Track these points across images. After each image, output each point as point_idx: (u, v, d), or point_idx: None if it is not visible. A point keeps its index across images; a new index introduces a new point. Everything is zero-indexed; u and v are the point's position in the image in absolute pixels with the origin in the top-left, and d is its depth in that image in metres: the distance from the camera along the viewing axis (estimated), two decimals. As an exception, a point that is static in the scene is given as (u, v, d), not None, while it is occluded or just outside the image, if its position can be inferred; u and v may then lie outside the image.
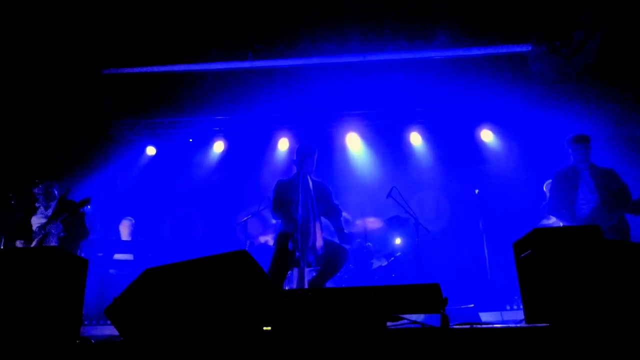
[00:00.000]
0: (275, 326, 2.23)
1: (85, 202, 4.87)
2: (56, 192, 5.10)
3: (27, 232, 4.84)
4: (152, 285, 2.37)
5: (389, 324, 2.26)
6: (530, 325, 2.36)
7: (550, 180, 5.76)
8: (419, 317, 2.79)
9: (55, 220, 4.75)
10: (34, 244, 4.72)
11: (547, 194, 5.75)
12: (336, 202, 4.63)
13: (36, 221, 4.93)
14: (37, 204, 5.05)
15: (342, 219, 4.59)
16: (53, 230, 4.75)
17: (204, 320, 2.25)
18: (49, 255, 2.18)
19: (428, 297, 2.26)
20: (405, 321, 2.30)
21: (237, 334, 2.18)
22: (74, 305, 2.38)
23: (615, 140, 6.13)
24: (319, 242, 4.18)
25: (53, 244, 4.78)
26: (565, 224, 4.53)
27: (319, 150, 4.65)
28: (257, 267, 2.47)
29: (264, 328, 2.24)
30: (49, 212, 4.90)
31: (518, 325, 2.34)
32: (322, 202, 4.48)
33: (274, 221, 4.37)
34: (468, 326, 2.17)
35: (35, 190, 4.99)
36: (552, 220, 5.52)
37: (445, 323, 2.19)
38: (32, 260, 2.13)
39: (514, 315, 5.35)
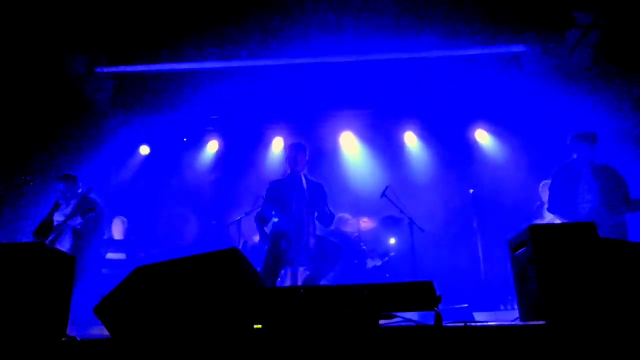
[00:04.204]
0: (266, 324, 2.19)
1: (91, 209, 4.81)
2: (79, 190, 5.04)
3: (47, 230, 4.80)
4: (142, 283, 2.33)
5: (381, 322, 2.23)
6: (525, 323, 2.34)
7: (545, 181, 5.76)
8: (413, 316, 2.76)
9: (73, 216, 4.71)
10: (47, 241, 4.67)
11: (543, 194, 5.75)
12: (328, 209, 4.54)
13: (56, 218, 4.89)
14: (60, 201, 5.01)
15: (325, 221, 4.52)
16: (70, 223, 4.70)
17: (194, 318, 2.22)
18: (31, 251, 2.13)
19: (421, 294, 2.23)
20: (398, 319, 2.27)
21: (226, 332, 2.15)
22: (60, 303, 2.33)
23: (609, 139, 6.12)
24: (312, 241, 4.15)
25: (67, 243, 4.73)
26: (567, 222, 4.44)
27: (311, 148, 4.63)
28: (248, 264, 2.43)
29: (255, 326, 2.21)
30: (69, 210, 4.85)
31: (513, 323, 2.32)
32: (315, 202, 4.44)
33: (276, 219, 4.32)
34: (462, 324, 2.15)
35: (59, 187, 4.95)
36: (546, 221, 5.52)
37: (438, 321, 2.16)
38: (13, 255, 2.08)
39: (508, 316, 5.33)
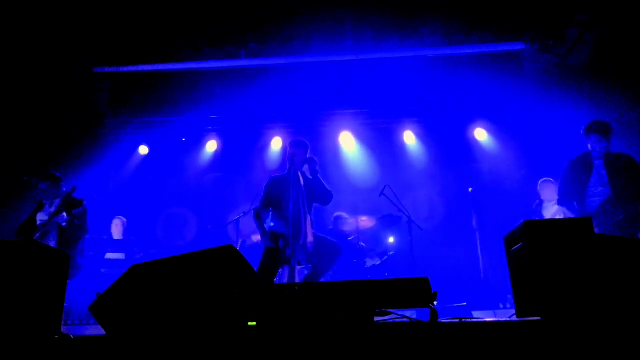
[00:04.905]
0: (261, 321, 2.18)
1: (77, 204, 4.82)
2: (62, 190, 5.04)
3: (31, 229, 4.79)
4: (138, 281, 2.33)
5: (376, 318, 2.22)
6: (520, 318, 2.33)
7: (543, 178, 5.76)
8: (412, 314, 2.75)
9: (59, 214, 4.70)
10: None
11: (542, 192, 5.74)
12: (323, 184, 4.50)
13: (39, 218, 4.88)
14: (44, 201, 5.00)
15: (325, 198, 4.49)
16: (56, 220, 4.70)
17: (190, 315, 2.21)
18: (25, 248, 2.13)
19: (417, 291, 2.23)
20: (394, 315, 2.26)
21: (221, 329, 2.14)
22: (54, 300, 2.32)
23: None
24: (310, 239, 4.15)
25: (52, 241, 4.72)
26: (573, 216, 4.27)
27: (311, 147, 4.61)
28: (244, 261, 2.43)
29: (249, 323, 2.20)
30: (52, 209, 4.84)
31: (509, 319, 2.31)
32: (314, 197, 4.43)
33: (272, 224, 4.31)
34: (457, 320, 2.14)
35: (41, 187, 4.94)
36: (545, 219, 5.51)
37: (434, 317, 2.15)
38: (5, 252, 2.08)
39: (508, 314, 5.31)
